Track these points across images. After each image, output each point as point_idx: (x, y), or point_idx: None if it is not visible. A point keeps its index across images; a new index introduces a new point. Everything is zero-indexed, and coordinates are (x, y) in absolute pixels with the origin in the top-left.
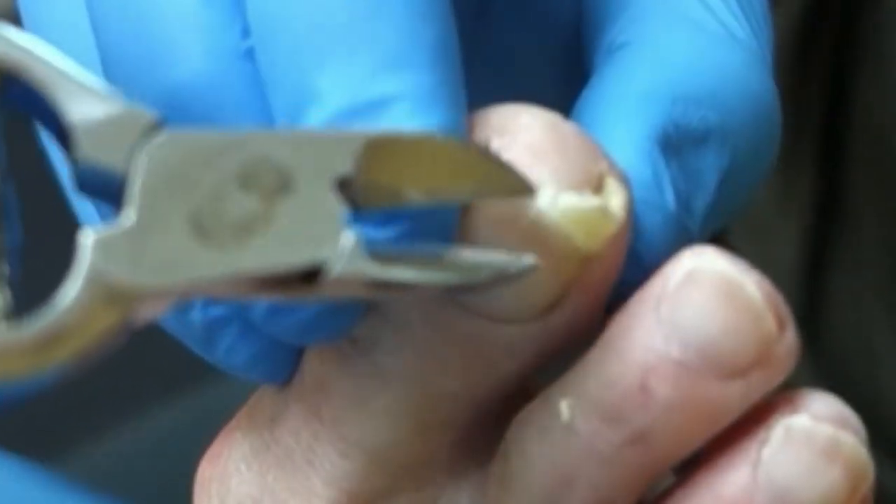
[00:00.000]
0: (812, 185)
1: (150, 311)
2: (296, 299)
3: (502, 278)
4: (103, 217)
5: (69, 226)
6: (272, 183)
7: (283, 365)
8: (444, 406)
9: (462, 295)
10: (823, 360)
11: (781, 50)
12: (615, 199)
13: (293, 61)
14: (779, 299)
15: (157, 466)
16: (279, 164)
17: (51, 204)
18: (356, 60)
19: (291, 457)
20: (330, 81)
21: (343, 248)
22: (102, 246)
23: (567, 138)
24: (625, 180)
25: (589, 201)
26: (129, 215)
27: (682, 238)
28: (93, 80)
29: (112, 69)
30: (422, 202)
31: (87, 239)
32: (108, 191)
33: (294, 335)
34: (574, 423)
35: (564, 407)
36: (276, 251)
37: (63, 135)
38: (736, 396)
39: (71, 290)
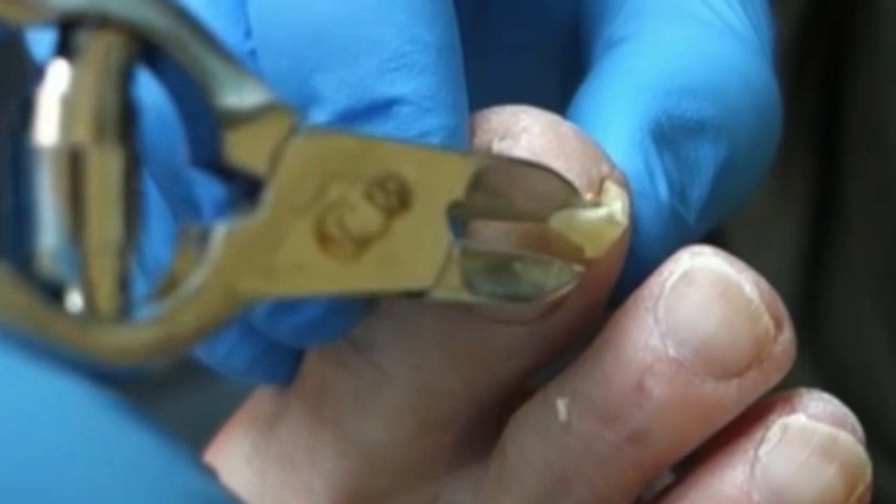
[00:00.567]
0: (809, 185)
1: (254, 308)
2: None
3: (558, 292)
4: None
5: None
6: (395, 198)
7: (283, 367)
8: (443, 405)
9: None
10: (820, 360)
11: (779, 50)
12: (617, 205)
13: (295, 63)
14: (776, 299)
15: None
16: (404, 180)
17: None
18: (358, 63)
19: (292, 456)
20: (331, 83)
21: (448, 281)
22: (232, 241)
23: (567, 141)
24: (624, 183)
25: (598, 213)
26: (261, 213)
27: (677, 228)
28: (241, 65)
29: None
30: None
31: (219, 231)
32: (240, 183)
33: (294, 337)
34: (571, 422)
35: (562, 406)
36: (387, 272)
37: (197, 116)
38: (733, 396)
39: (196, 280)
